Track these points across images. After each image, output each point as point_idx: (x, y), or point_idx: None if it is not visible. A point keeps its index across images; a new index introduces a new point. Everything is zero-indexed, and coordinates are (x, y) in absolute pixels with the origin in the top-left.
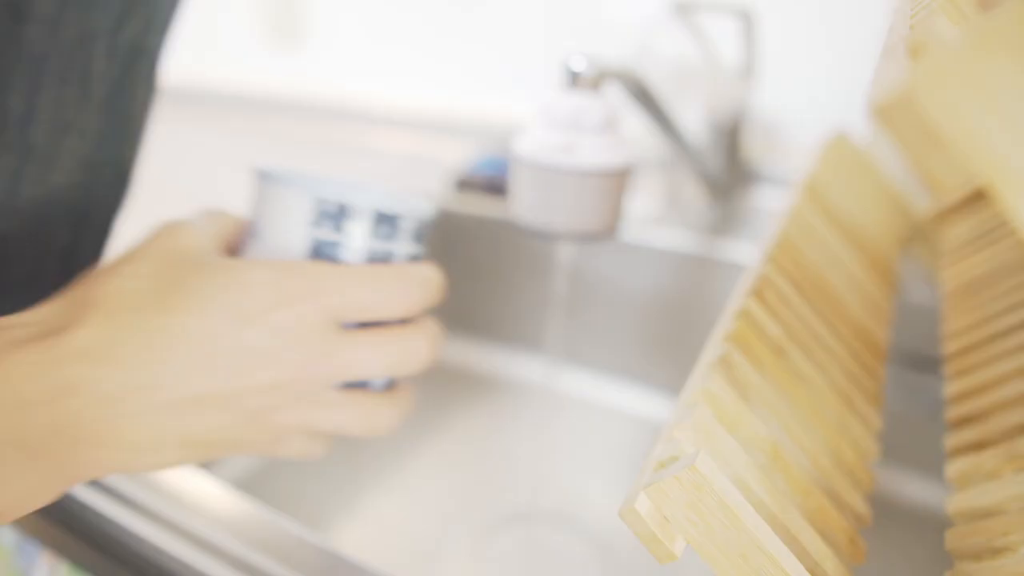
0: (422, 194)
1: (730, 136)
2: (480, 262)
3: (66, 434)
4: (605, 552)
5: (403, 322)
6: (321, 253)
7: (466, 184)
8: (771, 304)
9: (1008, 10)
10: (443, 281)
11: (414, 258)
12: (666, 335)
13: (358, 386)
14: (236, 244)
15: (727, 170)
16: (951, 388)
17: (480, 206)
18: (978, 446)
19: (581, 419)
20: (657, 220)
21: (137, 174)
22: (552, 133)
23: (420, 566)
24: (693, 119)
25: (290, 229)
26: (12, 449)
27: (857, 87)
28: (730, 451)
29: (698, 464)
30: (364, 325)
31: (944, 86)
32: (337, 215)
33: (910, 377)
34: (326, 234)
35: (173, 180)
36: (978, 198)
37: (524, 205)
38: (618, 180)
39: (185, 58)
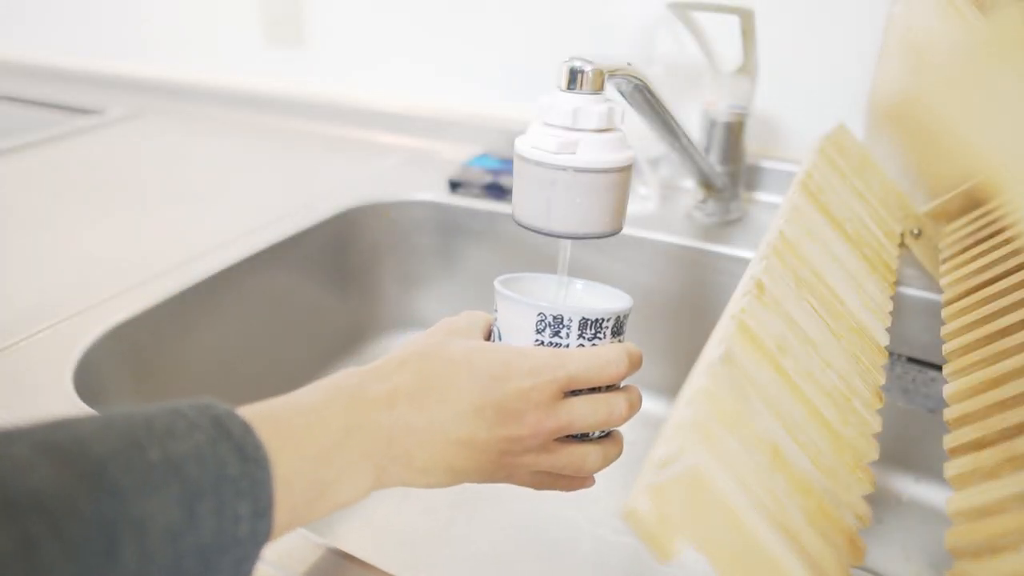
0: (621, 296)
1: (730, 135)
2: (480, 262)
3: (389, 452)
4: (606, 552)
5: (610, 388)
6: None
7: (463, 183)
8: (770, 304)
9: (1008, 14)
10: (640, 356)
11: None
12: (666, 334)
13: (580, 436)
14: (488, 334)
15: (727, 169)
16: (951, 388)
17: (479, 205)
18: (978, 446)
19: None
20: (657, 219)
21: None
22: (553, 132)
23: (420, 566)
24: (693, 118)
25: (521, 333)
26: (364, 460)
27: (856, 87)
28: (730, 451)
29: (698, 464)
30: (581, 391)
31: (947, 86)
32: (554, 324)
33: (910, 377)
34: (547, 337)
35: (176, 179)
36: (978, 198)
37: (525, 204)
38: (619, 179)
39: (187, 58)
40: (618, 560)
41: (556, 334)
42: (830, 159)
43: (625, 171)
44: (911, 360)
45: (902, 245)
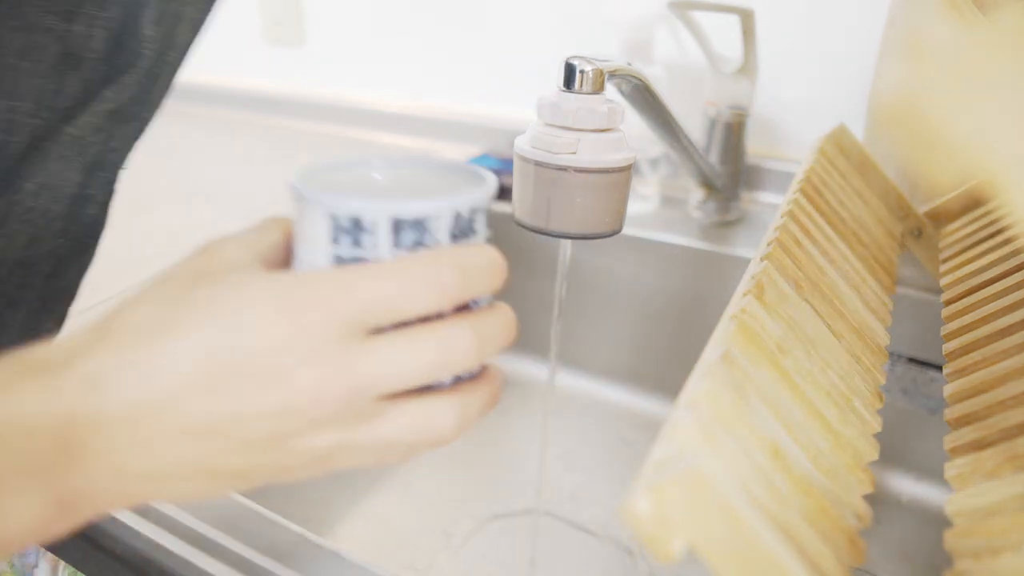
0: (475, 178)
1: (730, 135)
2: None
3: (74, 462)
4: (606, 552)
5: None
6: None
7: None
8: (770, 304)
9: (1008, 14)
10: (499, 261)
11: None
12: (666, 335)
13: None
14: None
15: (727, 169)
16: (951, 387)
17: None
18: (978, 446)
19: (581, 419)
20: (657, 219)
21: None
22: (553, 132)
23: (420, 566)
24: (693, 118)
25: (314, 248)
26: (17, 476)
27: (856, 87)
28: (730, 451)
29: (697, 464)
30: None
31: (947, 86)
32: (352, 229)
33: (910, 377)
34: (346, 250)
35: (176, 179)
36: (978, 198)
37: (525, 204)
38: (619, 179)
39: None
40: (617, 560)
41: (357, 244)
42: (830, 159)
43: (625, 171)
44: (911, 360)
45: (902, 245)
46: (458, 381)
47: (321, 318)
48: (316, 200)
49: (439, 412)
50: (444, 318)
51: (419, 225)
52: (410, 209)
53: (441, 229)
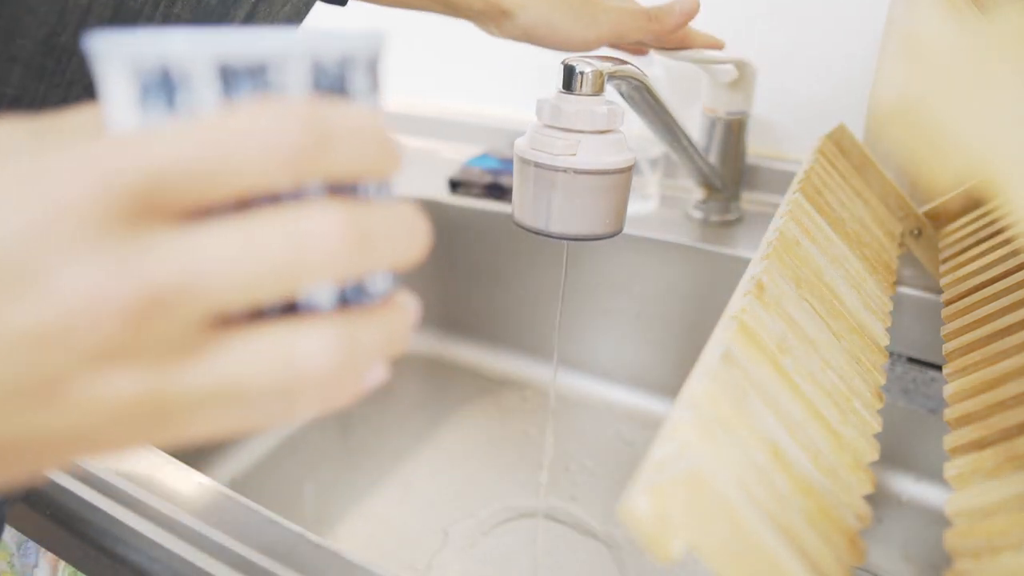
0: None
1: (730, 135)
2: (480, 262)
3: None
4: (606, 552)
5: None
6: None
7: (463, 183)
8: (770, 303)
9: (1008, 14)
10: (382, 131)
11: None
12: (667, 335)
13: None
14: None
15: (727, 169)
16: (951, 387)
17: (479, 205)
18: (978, 446)
19: (582, 419)
20: (657, 219)
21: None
22: (553, 134)
23: (420, 566)
24: (693, 118)
25: (118, 118)
26: None
27: (856, 87)
28: (730, 451)
29: (697, 464)
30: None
31: (947, 86)
32: (163, 84)
33: (910, 377)
34: (158, 114)
35: None
36: (978, 198)
37: (525, 205)
38: (619, 181)
39: None
40: (618, 560)
41: (171, 105)
42: (830, 159)
43: (625, 172)
44: (911, 360)
45: (902, 245)
46: (345, 305)
47: (89, 194)
48: (112, 50)
49: (308, 342)
50: (299, 201)
51: (258, 75)
52: (243, 49)
53: (293, 84)
